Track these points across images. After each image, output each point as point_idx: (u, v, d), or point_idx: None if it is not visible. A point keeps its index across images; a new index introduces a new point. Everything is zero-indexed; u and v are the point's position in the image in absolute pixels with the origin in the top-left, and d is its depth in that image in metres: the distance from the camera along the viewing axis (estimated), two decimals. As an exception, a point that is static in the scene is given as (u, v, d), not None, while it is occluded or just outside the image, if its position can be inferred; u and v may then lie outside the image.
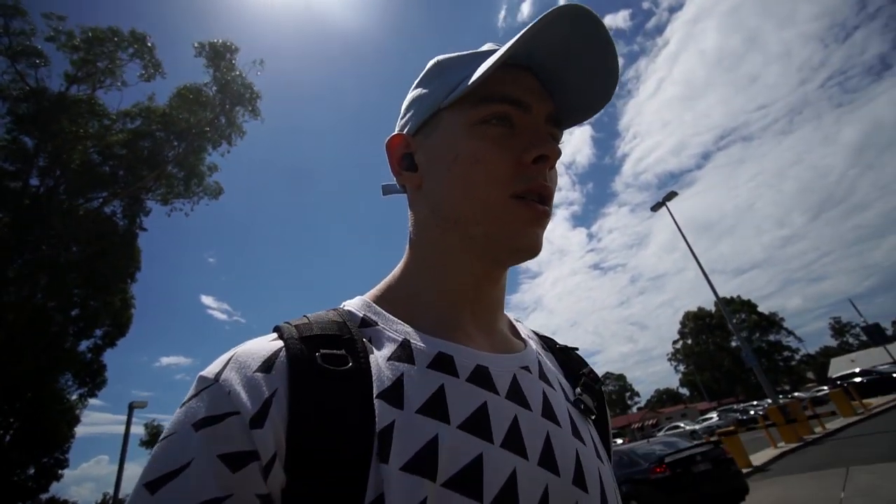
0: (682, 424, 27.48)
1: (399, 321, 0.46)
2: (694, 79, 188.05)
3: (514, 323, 0.59)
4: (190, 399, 0.35)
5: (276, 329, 0.42)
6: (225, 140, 16.93)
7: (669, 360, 67.85)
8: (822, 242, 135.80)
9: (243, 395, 0.34)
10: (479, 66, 0.46)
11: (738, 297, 61.39)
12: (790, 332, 57.45)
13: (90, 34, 14.18)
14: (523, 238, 0.46)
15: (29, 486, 15.48)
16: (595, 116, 0.53)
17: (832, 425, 13.57)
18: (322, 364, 0.37)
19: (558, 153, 0.46)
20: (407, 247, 0.53)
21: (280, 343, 0.39)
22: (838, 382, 22.38)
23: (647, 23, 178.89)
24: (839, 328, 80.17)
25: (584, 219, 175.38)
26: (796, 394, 35.90)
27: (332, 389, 0.36)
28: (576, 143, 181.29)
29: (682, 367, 65.45)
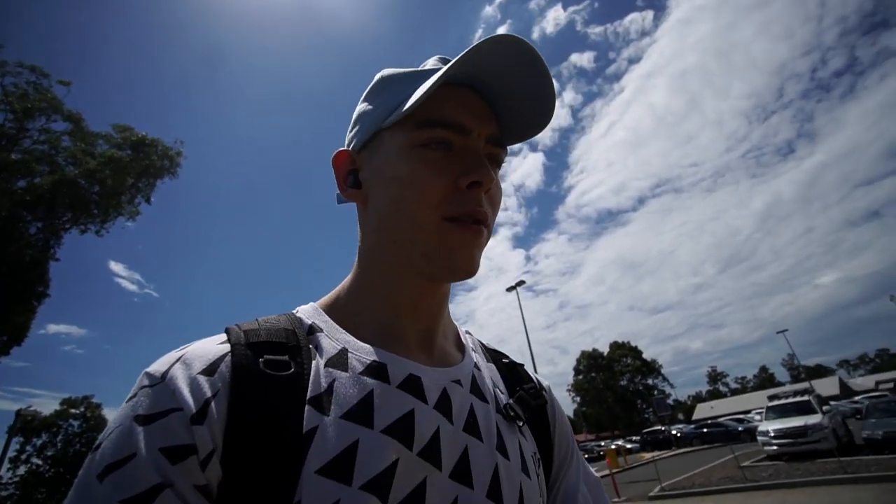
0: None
1: (343, 330, 0.49)
2: (641, 127, 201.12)
3: (462, 335, 0.61)
4: (135, 394, 0.38)
5: (227, 331, 0.44)
6: (143, 198, 19.80)
7: (567, 391, 75.14)
8: (725, 293, 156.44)
9: (186, 394, 0.36)
10: (420, 84, 0.47)
11: (628, 342, 69.84)
12: (665, 378, 66.46)
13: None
14: (458, 259, 0.47)
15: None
16: (537, 136, 0.55)
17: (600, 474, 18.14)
18: (263, 369, 0.40)
19: (492, 179, 0.47)
20: (356, 258, 0.55)
21: (227, 347, 0.41)
22: (644, 434, 28.41)
23: (608, 68, 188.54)
24: (714, 376, 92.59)
25: (524, 241, 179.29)
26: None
27: (269, 393, 0.38)
28: (528, 168, 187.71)
29: (577, 399, 72.73)
